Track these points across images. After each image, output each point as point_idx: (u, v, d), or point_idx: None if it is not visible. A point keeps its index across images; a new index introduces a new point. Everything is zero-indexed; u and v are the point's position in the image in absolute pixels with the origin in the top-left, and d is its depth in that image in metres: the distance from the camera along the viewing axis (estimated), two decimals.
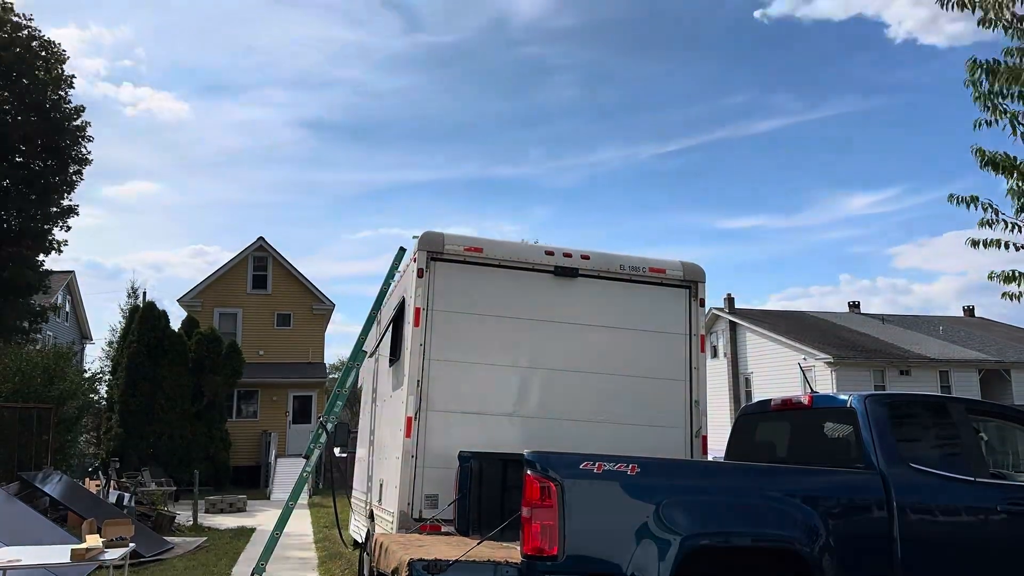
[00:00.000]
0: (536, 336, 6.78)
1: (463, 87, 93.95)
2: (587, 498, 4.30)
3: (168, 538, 12.77)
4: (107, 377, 25.29)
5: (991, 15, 9.00)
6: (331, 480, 15.84)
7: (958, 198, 9.12)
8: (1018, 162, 9.06)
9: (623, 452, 5.34)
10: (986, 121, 9.18)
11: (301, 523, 15.97)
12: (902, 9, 78.08)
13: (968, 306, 40.50)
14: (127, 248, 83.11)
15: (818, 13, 74.63)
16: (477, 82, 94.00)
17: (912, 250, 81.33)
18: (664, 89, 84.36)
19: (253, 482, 26.59)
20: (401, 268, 8.64)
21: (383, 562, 5.03)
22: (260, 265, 30.90)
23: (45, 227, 23.99)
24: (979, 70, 8.85)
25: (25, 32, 23.48)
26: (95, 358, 47.97)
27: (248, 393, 28.57)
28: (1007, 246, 9.15)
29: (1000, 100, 9.06)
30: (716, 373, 32.61)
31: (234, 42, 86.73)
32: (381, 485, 7.40)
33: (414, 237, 6.82)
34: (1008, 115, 9.08)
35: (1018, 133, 9.05)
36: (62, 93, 24.19)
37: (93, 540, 7.58)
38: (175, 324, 25.97)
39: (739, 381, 33.39)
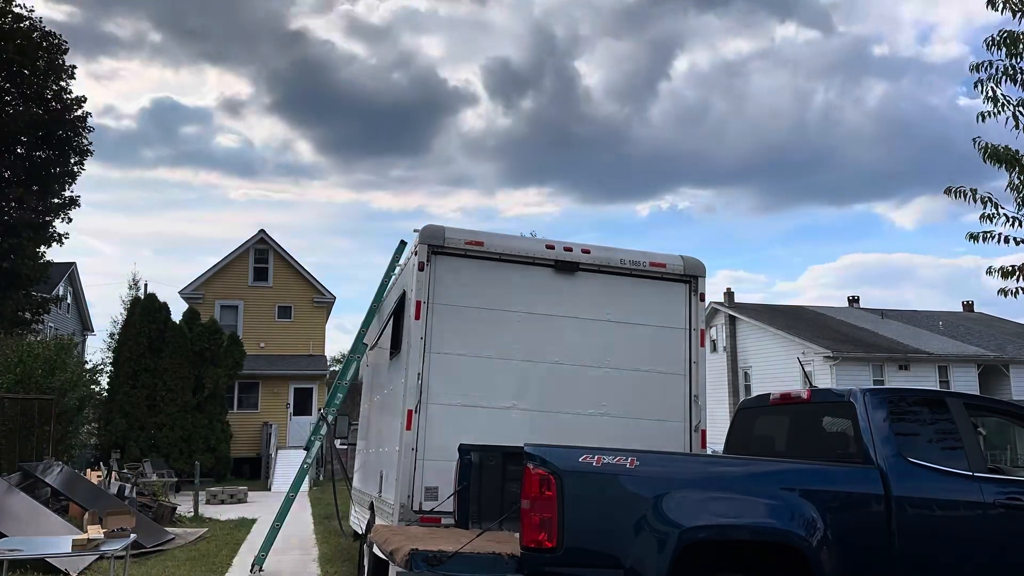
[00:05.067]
0: (536, 330, 6.79)
1: None
2: (586, 491, 4.32)
3: (169, 529, 12.82)
4: (108, 368, 25.34)
5: None
6: (331, 471, 15.89)
7: (955, 190, 9.13)
8: (1020, 155, 9.06)
9: (622, 445, 5.36)
10: (989, 113, 9.18)
11: (302, 514, 16.02)
12: None
13: (968, 301, 40.52)
14: None
15: None
16: None
17: None
18: None
19: (254, 473, 26.67)
20: (402, 261, 8.66)
21: (383, 551, 5.07)
22: (261, 258, 30.93)
23: (46, 219, 24.01)
24: (997, 44, 8.85)
25: (26, 23, 23.46)
26: (97, 349, 48.11)
27: (249, 385, 28.62)
28: (1007, 240, 9.16)
29: (1002, 92, 9.06)
30: (715, 367, 32.63)
31: None
32: (381, 477, 7.43)
33: (415, 231, 6.84)
34: (1011, 107, 9.08)
35: (1020, 126, 9.04)
36: (63, 84, 24.20)
37: (94, 531, 7.61)
38: (176, 316, 26.03)
39: (738, 375, 33.41)
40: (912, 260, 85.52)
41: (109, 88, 77.32)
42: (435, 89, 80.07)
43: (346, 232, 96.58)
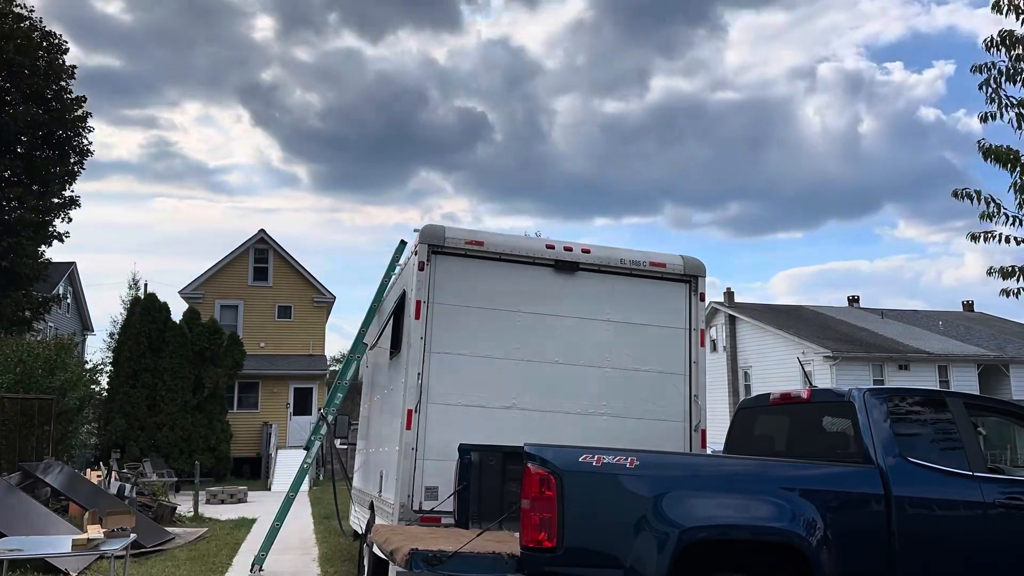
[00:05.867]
0: (536, 329, 6.80)
1: None
2: (586, 491, 4.32)
3: (169, 528, 12.82)
4: (108, 368, 25.34)
5: (1003, 1, 9.05)
6: (331, 471, 15.90)
7: (962, 192, 9.15)
8: (1021, 156, 9.08)
9: (622, 445, 5.37)
10: (991, 114, 9.19)
11: (302, 514, 16.02)
12: None
13: (967, 301, 40.51)
14: None
15: None
16: None
17: None
18: None
19: (254, 473, 26.67)
20: (402, 261, 8.66)
21: (383, 551, 5.07)
22: (261, 257, 30.93)
23: (46, 218, 24.01)
24: (996, 44, 8.87)
25: (26, 23, 23.45)
26: (97, 349, 48.12)
27: (249, 385, 28.62)
28: (1008, 240, 9.17)
29: (1005, 93, 9.07)
30: (715, 367, 32.63)
31: None
32: (381, 477, 7.43)
33: (415, 231, 6.84)
34: (1016, 107, 9.09)
35: (1023, 126, 9.06)
36: (63, 84, 24.17)
37: (94, 530, 7.60)
38: (176, 316, 26.03)
39: (738, 375, 33.41)
40: (865, 267, 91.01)
41: (114, 128, 79.26)
42: (408, 122, 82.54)
43: (337, 240, 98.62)
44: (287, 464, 23.74)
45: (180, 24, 78.28)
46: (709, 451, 7.13)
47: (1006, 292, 9.33)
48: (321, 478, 25.30)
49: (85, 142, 24.67)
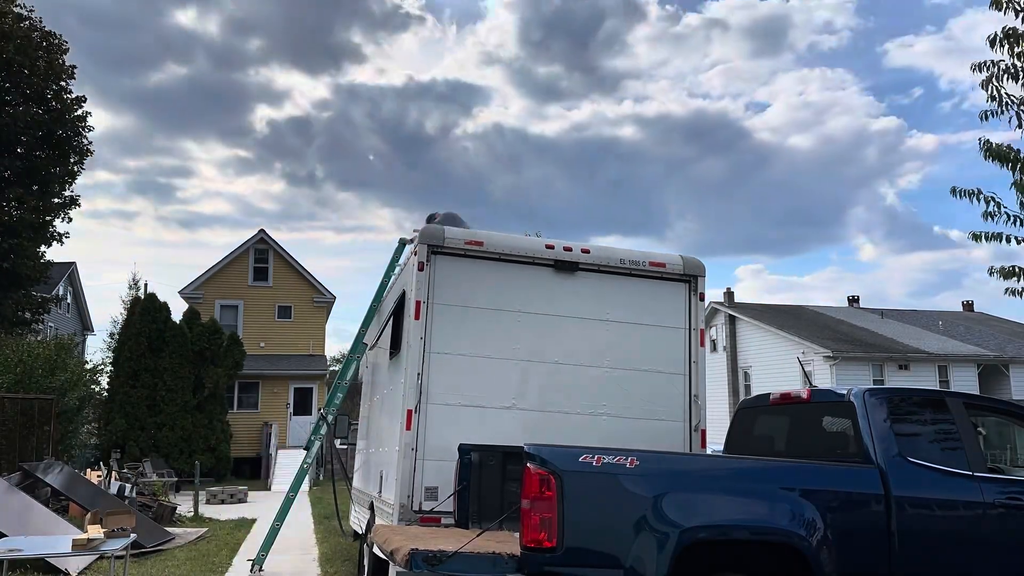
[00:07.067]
0: (536, 329, 6.79)
1: None
2: (586, 491, 4.32)
3: (169, 529, 12.82)
4: (108, 368, 25.34)
5: None
6: (331, 471, 15.91)
7: (960, 191, 9.15)
8: (1022, 155, 9.08)
9: (622, 445, 5.37)
10: (992, 112, 9.20)
11: (302, 514, 16.02)
12: None
13: (967, 301, 40.51)
14: None
15: None
16: None
17: None
18: None
19: (254, 473, 26.67)
20: (402, 261, 8.67)
21: (383, 551, 5.07)
22: (261, 257, 30.95)
23: (46, 218, 24.01)
24: (999, 41, 8.87)
25: (26, 23, 23.46)
26: (97, 349, 48.12)
27: (249, 385, 28.63)
28: (1008, 240, 9.18)
29: (1007, 92, 9.07)
30: (715, 367, 32.63)
31: None
32: (381, 477, 7.43)
33: (415, 231, 6.84)
34: (1015, 105, 9.09)
35: (1023, 124, 9.06)
36: (63, 83, 24.19)
37: (94, 530, 7.61)
38: (176, 316, 26.03)
39: (738, 375, 33.41)
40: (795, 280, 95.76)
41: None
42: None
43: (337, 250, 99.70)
44: (287, 464, 23.72)
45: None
46: (709, 451, 7.13)
47: (1012, 292, 9.33)
48: (321, 478, 25.30)
49: (85, 142, 24.70)
